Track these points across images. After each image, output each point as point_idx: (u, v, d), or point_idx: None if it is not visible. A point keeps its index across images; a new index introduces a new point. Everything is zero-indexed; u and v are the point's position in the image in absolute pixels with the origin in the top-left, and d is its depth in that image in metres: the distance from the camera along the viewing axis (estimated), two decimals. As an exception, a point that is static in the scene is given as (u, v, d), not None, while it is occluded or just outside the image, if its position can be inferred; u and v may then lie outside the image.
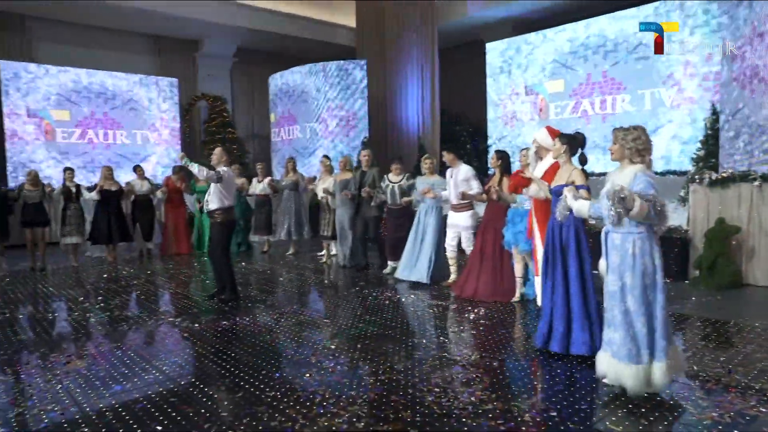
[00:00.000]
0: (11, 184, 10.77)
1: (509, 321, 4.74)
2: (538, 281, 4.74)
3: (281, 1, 13.65)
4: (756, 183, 5.77)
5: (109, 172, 8.55)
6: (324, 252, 8.33)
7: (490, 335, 4.35)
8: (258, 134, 15.79)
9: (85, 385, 3.42)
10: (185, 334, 4.56)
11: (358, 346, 4.12)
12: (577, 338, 3.65)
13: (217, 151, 5.67)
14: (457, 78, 14.76)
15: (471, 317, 4.90)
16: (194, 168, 5.44)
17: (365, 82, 12.17)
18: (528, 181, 4.75)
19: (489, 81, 12.14)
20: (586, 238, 3.75)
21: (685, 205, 6.86)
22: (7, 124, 11.23)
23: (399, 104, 12.68)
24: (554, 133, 4.30)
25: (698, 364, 3.55)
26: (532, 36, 11.32)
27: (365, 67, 12.21)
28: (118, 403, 3.13)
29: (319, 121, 12.38)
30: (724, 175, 6.06)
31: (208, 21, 12.89)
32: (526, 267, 5.30)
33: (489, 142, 12.21)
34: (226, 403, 3.14)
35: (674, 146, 9.20)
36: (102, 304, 5.72)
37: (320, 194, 8.09)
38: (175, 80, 13.69)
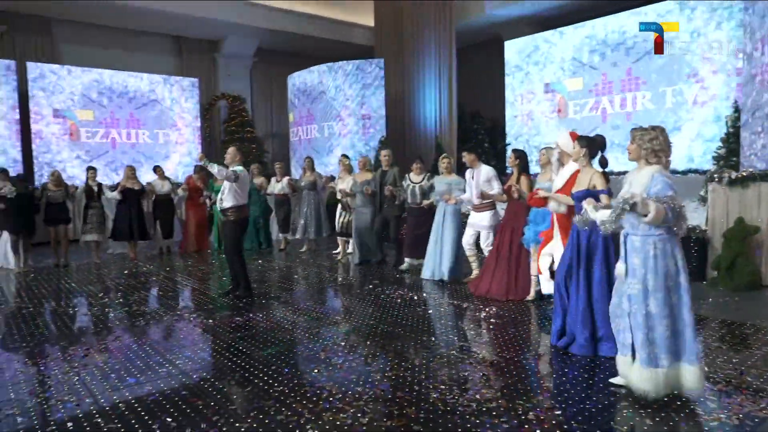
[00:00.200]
0: (37, 183, 11.05)
1: (520, 319, 4.73)
2: (543, 279, 4.75)
3: (300, 1, 13.75)
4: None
5: (132, 172, 8.75)
6: (339, 250, 8.39)
7: (499, 333, 4.35)
8: (277, 134, 15.94)
9: (101, 378, 3.53)
10: (200, 330, 4.65)
11: (368, 343, 4.16)
12: (604, 341, 3.66)
13: (231, 150, 5.78)
14: (475, 76, 14.70)
15: (482, 315, 4.90)
16: (214, 168, 5.56)
17: (383, 81, 12.20)
18: (545, 201, 4.70)
19: (507, 79, 12.07)
20: (614, 244, 3.71)
21: (705, 205, 6.75)
22: (33, 124, 11.53)
23: (416, 103, 12.69)
24: (576, 138, 4.25)
25: (710, 365, 3.50)
26: (550, 34, 11.23)
27: (383, 66, 12.24)
28: (132, 395, 3.23)
29: (337, 121, 12.46)
30: (744, 174, 5.94)
31: (229, 21, 13.06)
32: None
33: (507, 140, 12.14)
34: (235, 396, 3.21)
35: (697, 144, 9.04)
36: (121, 300, 5.86)
37: (339, 194, 8.15)
38: (195, 80, 13.90)
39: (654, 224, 2.86)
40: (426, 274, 6.51)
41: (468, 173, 6.20)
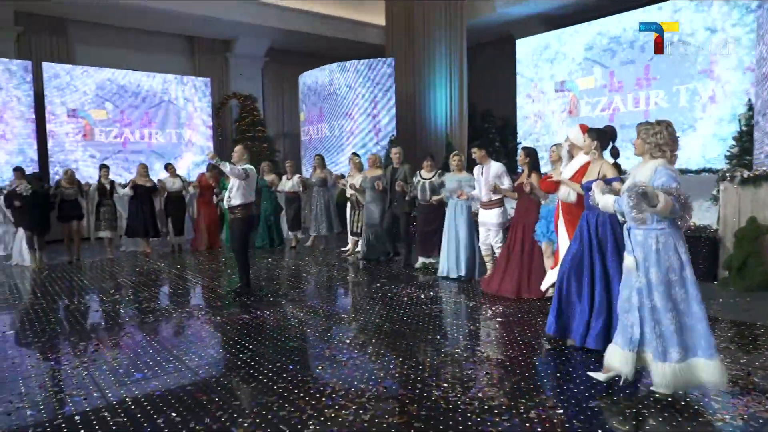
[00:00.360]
0: (52, 182, 11.21)
1: (527, 318, 4.71)
2: (552, 274, 4.73)
3: (312, 1, 13.80)
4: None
5: (144, 170, 8.88)
6: (349, 247, 8.42)
7: (506, 332, 4.35)
8: (288, 133, 16.01)
9: (109, 373, 3.59)
10: (207, 326, 4.71)
11: (373, 340, 4.18)
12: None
13: (238, 148, 5.86)
14: (486, 75, 14.64)
15: (489, 314, 4.90)
16: (226, 167, 5.64)
17: (394, 80, 12.20)
18: (556, 186, 4.69)
19: (518, 77, 12.00)
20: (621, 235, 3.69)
21: (717, 204, 6.66)
22: (48, 123, 11.70)
23: (427, 102, 12.68)
24: (586, 130, 4.22)
25: (717, 365, 3.47)
26: (563, 31, 11.14)
27: (394, 65, 12.25)
28: (138, 390, 3.27)
29: (347, 119, 12.48)
30: (756, 173, 5.87)
31: (241, 21, 13.14)
32: None
33: (518, 139, 12.08)
34: (239, 392, 3.24)
35: (712, 143, 8.92)
36: (131, 297, 5.94)
37: (349, 191, 8.19)
38: (208, 80, 14.00)
39: (663, 215, 2.84)
40: (443, 271, 6.52)
41: (476, 170, 6.19)
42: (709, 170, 8.78)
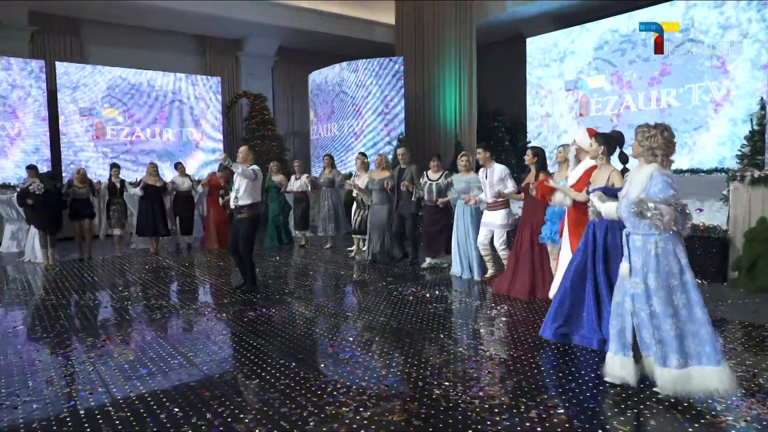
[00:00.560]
0: (64, 180, 11.34)
1: (531, 318, 4.70)
2: (558, 278, 4.70)
3: (321, 0, 13.83)
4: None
5: (154, 169, 8.95)
6: (354, 247, 8.44)
7: (509, 331, 4.34)
8: (297, 132, 16.07)
9: (114, 369, 3.63)
10: (213, 324, 4.74)
11: (377, 339, 4.19)
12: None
13: (243, 149, 5.93)
14: (496, 74, 14.59)
15: (493, 314, 4.89)
16: (237, 168, 5.71)
17: (403, 79, 12.20)
18: (552, 190, 4.68)
19: (528, 77, 11.95)
20: None
21: (728, 204, 6.59)
22: (61, 123, 11.84)
23: (436, 101, 12.66)
24: (593, 134, 4.18)
25: (722, 367, 3.44)
26: (573, 30, 11.07)
27: (403, 64, 12.24)
28: (143, 386, 3.31)
29: (356, 118, 12.50)
30: (767, 173, 5.79)
31: (251, 21, 13.21)
32: None
33: (527, 138, 12.02)
34: (242, 389, 3.27)
35: (725, 142, 8.81)
36: (140, 294, 6.00)
37: (354, 191, 8.20)
38: (218, 79, 14.09)
39: (668, 227, 2.82)
40: (455, 271, 6.53)
41: (481, 172, 6.17)
42: (722, 170, 8.68)
